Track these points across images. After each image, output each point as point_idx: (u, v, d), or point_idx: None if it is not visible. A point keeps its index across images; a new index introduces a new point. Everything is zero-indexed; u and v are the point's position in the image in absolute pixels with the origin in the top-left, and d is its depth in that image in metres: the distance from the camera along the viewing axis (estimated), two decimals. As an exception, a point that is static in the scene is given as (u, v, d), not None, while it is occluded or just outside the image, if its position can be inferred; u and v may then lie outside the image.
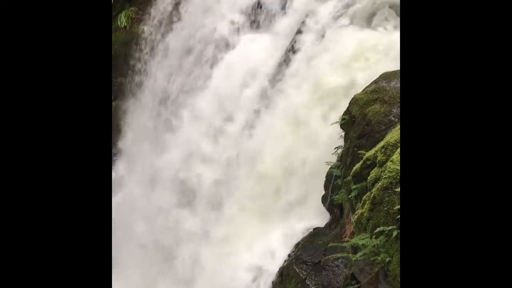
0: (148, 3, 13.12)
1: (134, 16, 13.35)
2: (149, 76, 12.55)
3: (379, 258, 4.72)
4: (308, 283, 6.54)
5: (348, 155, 6.58)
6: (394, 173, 4.75)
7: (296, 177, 8.20)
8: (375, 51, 8.03)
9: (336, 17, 8.94)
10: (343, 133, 7.09)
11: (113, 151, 12.33)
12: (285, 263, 7.13)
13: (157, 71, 12.22)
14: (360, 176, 5.70)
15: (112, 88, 12.58)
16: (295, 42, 9.41)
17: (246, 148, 9.21)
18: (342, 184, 6.66)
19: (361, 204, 5.10)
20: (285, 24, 9.85)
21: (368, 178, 5.26)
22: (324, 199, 7.51)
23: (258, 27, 10.52)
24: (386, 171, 4.85)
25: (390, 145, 5.22)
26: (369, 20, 8.62)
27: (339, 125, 7.07)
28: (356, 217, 5.09)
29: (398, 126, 5.63)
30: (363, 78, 7.46)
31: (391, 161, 4.91)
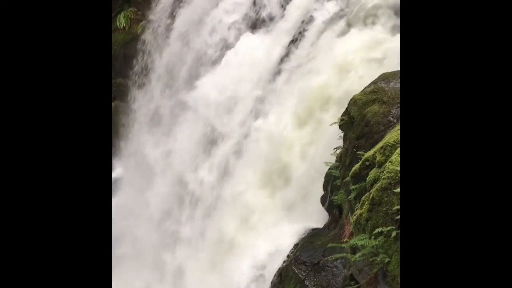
0: (146, 5, 13.11)
1: (133, 16, 13.35)
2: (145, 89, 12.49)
3: (378, 259, 4.72)
4: (307, 283, 6.53)
5: (347, 156, 6.57)
6: (393, 173, 4.75)
7: (296, 177, 8.21)
8: (372, 53, 8.03)
9: (334, 19, 8.94)
10: (342, 134, 7.08)
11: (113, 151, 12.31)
12: (284, 264, 7.12)
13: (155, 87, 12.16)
14: (359, 177, 5.70)
15: (112, 88, 12.56)
16: (294, 41, 9.42)
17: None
18: (341, 184, 6.65)
19: (360, 204, 5.10)
20: (284, 25, 9.85)
21: (367, 178, 5.26)
22: (323, 199, 7.50)
23: (256, 27, 10.51)
24: (385, 172, 4.86)
25: (389, 146, 5.22)
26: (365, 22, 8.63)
27: (338, 126, 7.06)
28: (355, 217, 5.10)
29: (397, 127, 5.63)
30: (359, 84, 7.43)
31: (390, 161, 4.91)
